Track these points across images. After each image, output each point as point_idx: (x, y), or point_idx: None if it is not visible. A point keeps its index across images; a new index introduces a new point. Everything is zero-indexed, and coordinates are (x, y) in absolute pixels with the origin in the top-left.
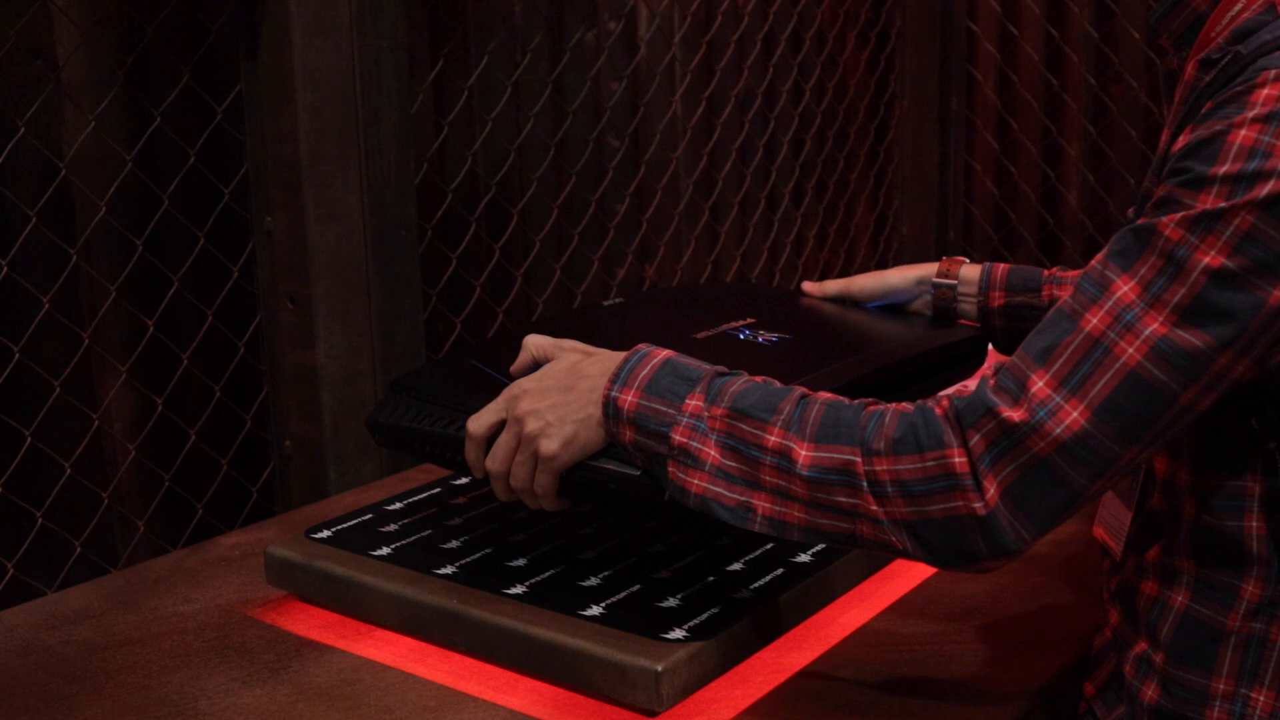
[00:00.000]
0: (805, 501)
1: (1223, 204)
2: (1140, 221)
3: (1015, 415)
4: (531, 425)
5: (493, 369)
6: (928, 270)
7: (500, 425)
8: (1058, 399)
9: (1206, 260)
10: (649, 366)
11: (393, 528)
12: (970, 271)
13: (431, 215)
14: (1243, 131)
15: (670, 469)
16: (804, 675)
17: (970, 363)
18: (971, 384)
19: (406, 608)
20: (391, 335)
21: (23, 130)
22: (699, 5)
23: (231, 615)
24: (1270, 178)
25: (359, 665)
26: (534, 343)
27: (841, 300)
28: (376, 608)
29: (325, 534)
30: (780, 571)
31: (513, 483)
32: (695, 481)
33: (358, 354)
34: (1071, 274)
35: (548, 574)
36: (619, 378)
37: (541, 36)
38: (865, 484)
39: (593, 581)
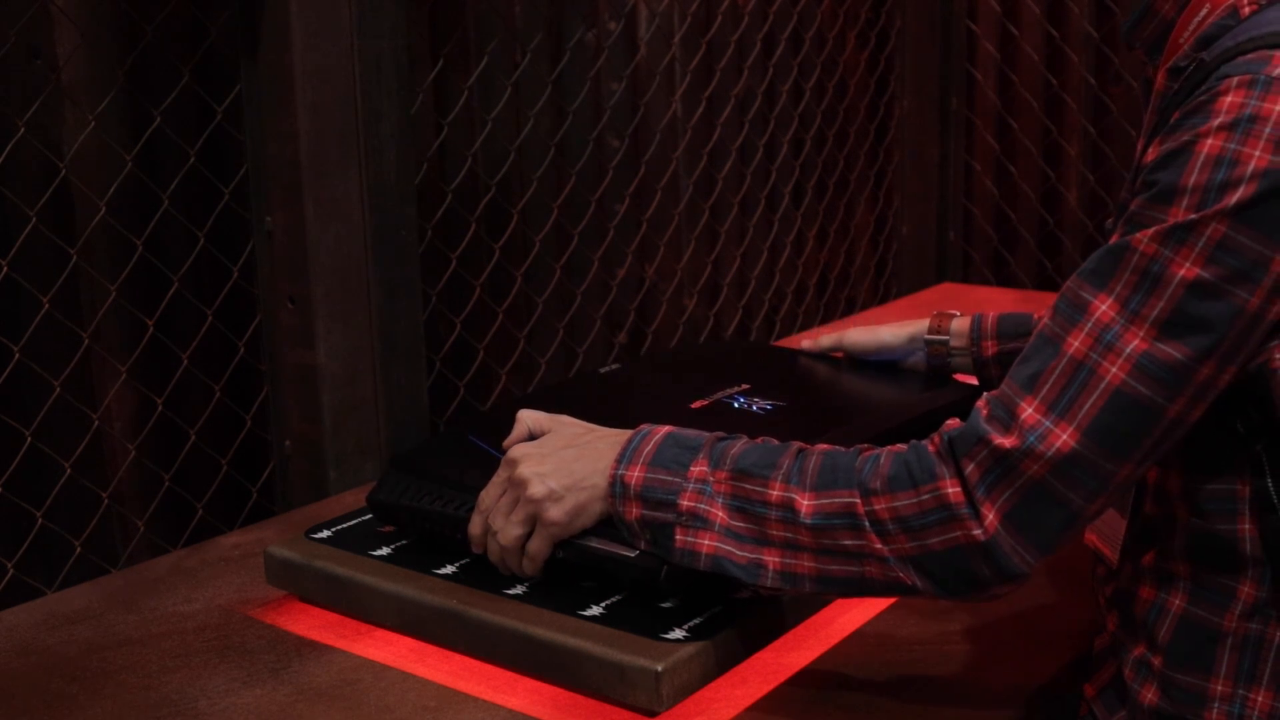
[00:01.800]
0: (813, 550)
1: (1193, 215)
2: (1114, 239)
3: (1007, 442)
4: (536, 489)
5: (491, 446)
6: (920, 326)
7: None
8: (1047, 423)
9: (1182, 273)
10: (652, 443)
11: (393, 527)
12: (961, 324)
13: (431, 215)
14: (1209, 141)
15: (678, 536)
16: (804, 675)
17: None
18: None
19: (406, 608)
20: (391, 335)
21: (23, 130)
22: (699, 5)
23: (231, 615)
24: (1239, 185)
25: (359, 665)
26: (529, 417)
27: (835, 359)
28: (376, 608)
29: (325, 534)
30: None
31: (502, 540)
32: (705, 542)
33: (358, 354)
34: None
35: (548, 574)
36: (625, 457)
37: (541, 36)
38: (867, 524)
39: (593, 581)
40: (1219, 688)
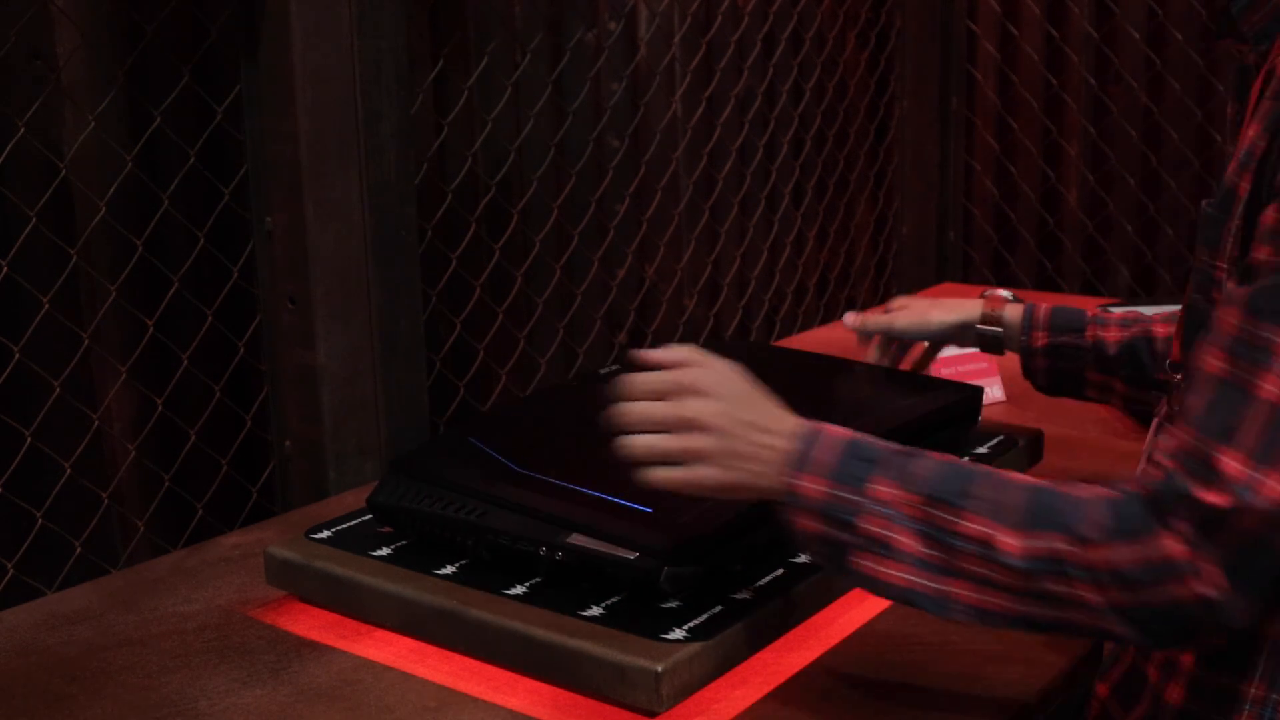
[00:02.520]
0: (1012, 590)
1: None
2: (1258, 257)
3: (1219, 500)
4: (702, 442)
5: (491, 447)
6: (971, 312)
7: (654, 394)
8: (1256, 475)
9: None
10: (829, 450)
11: (392, 528)
12: (1013, 314)
13: (431, 215)
14: None
15: (856, 559)
16: (804, 675)
17: (966, 421)
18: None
19: (406, 608)
20: (391, 335)
21: (23, 130)
22: (699, 5)
23: (231, 615)
24: None
25: (359, 665)
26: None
27: (837, 359)
28: (376, 608)
29: (325, 534)
30: (780, 572)
31: (648, 448)
32: (894, 573)
33: (358, 354)
34: (1115, 315)
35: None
36: (800, 462)
37: (541, 36)
38: (1079, 573)
39: (592, 583)
40: (1253, 691)
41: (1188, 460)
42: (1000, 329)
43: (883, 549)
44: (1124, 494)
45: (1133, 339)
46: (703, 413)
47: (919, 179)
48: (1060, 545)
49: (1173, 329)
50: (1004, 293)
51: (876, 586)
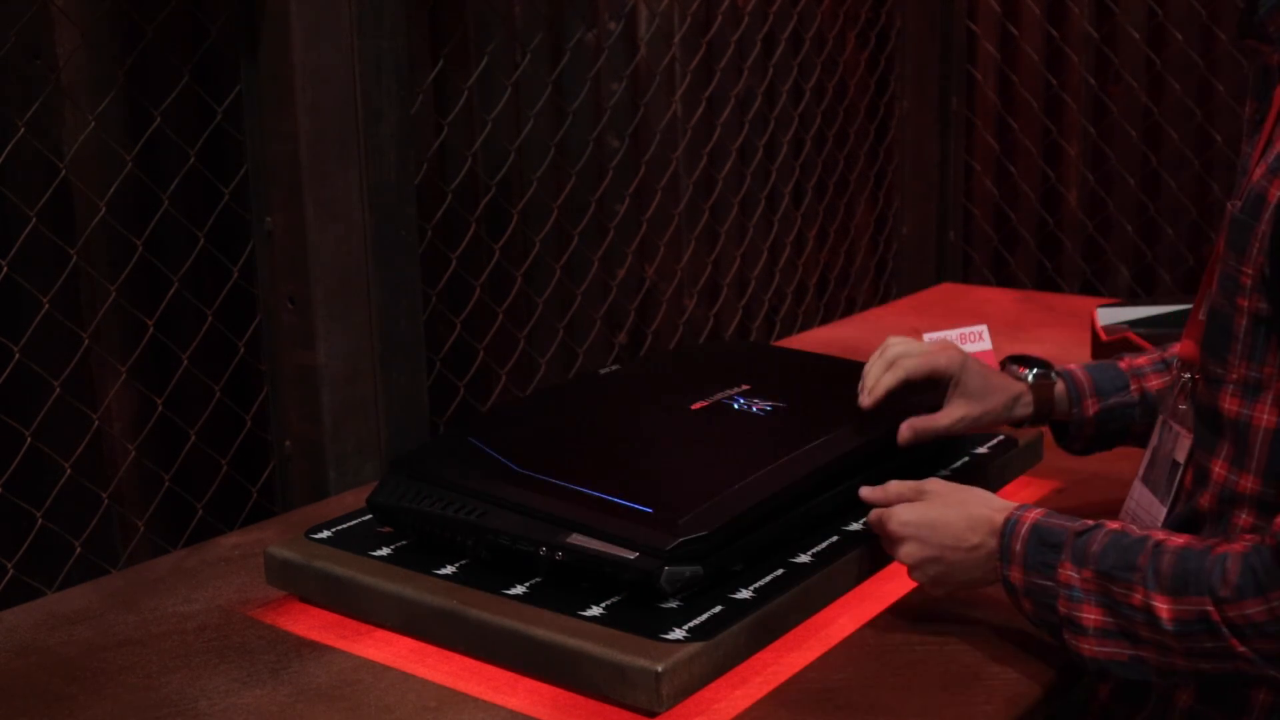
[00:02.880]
0: (1181, 652)
1: None
2: None
3: None
4: (924, 575)
5: (491, 447)
6: (1017, 393)
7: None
8: None
9: None
10: (1020, 539)
11: (392, 528)
12: (1059, 391)
13: (431, 215)
14: None
15: (1065, 635)
16: (804, 675)
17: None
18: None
19: (406, 608)
20: (391, 335)
21: (23, 130)
22: (699, 5)
23: (231, 615)
24: None
25: (359, 665)
26: (895, 489)
27: (835, 358)
28: (376, 608)
29: (325, 534)
30: (780, 572)
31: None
32: (1086, 646)
33: (358, 354)
34: (1145, 362)
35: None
36: (1004, 555)
37: (541, 36)
38: (1225, 629)
39: (592, 583)
40: (1261, 696)
41: None
42: (1050, 411)
43: (1076, 627)
44: (1255, 550)
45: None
46: (912, 555)
47: (919, 179)
48: (1204, 606)
49: None
50: (1024, 371)
51: (1082, 660)
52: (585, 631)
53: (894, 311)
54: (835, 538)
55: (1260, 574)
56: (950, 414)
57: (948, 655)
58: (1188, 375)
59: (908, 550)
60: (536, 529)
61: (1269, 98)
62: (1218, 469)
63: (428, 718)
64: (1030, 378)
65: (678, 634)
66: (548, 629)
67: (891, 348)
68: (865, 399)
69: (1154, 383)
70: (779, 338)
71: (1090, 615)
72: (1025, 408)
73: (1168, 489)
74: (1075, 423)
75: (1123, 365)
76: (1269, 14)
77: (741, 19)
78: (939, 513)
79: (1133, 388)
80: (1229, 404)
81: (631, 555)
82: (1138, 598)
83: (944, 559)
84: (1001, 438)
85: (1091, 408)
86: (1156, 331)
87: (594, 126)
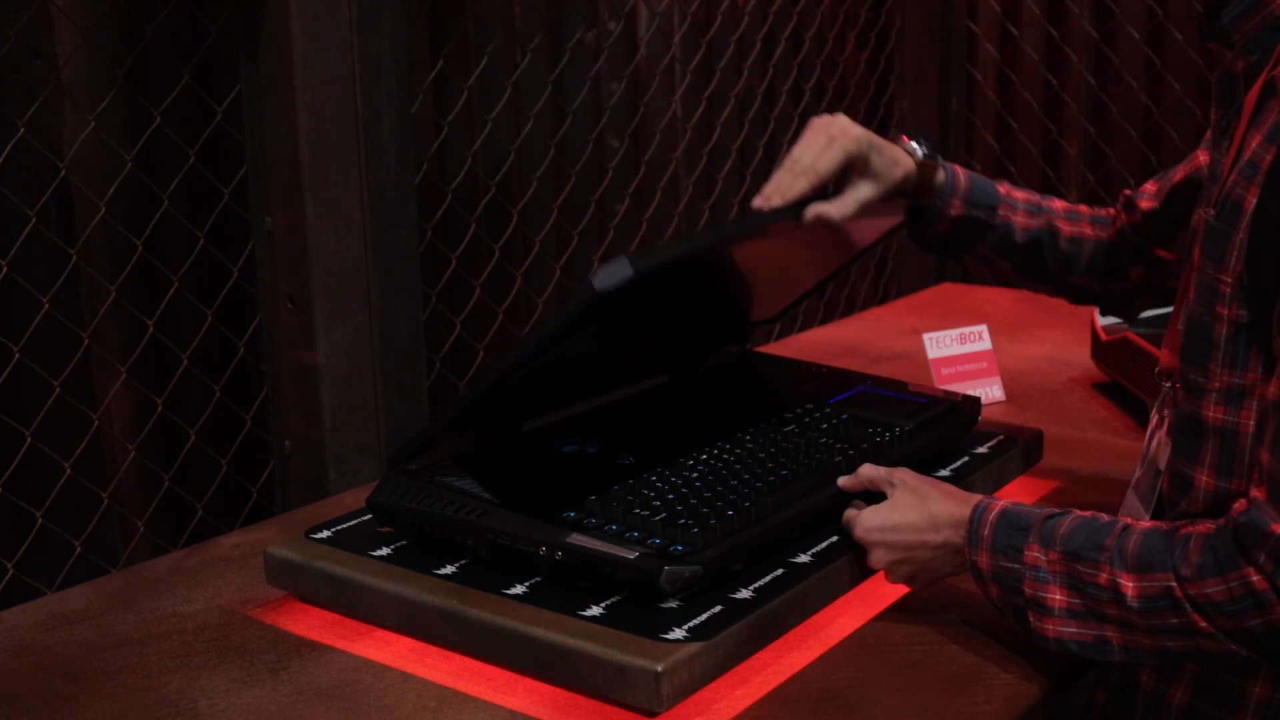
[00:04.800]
0: (1145, 629)
1: None
2: None
3: None
4: (898, 575)
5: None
6: (904, 162)
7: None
8: None
9: None
10: (989, 524)
11: (392, 528)
12: (939, 179)
13: (431, 215)
14: None
15: (1030, 618)
16: (804, 675)
17: (963, 429)
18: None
19: (406, 608)
20: (391, 335)
21: (23, 130)
22: (699, 5)
23: (231, 615)
24: None
25: (359, 665)
26: (867, 474)
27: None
28: (376, 608)
29: (325, 534)
30: (780, 572)
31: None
32: (1050, 626)
33: (358, 354)
34: (1021, 197)
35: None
36: (972, 540)
37: (541, 36)
38: (1188, 605)
39: (591, 582)
40: (1257, 690)
41: (1271, 493)
42: (913, 181)
43: (1042, 608)
44: (1218, 530)
45: (1038, 230)
46: (881, 560)
47: None
48: (1168, 582)
49: (1076, 230)
50: (916, 146)
51: (1046, 641)
52: (585, 631)
53: (894, 311)
54: (834, 538)
55: (1220, 555)
56: (856, 195)
57: (948, 655)
58: (1168, 384)
59: (877, 556)
60: (537, 529)
61: (1234, 104)
62: (1204, 478)
63: (428, 718)
64: (920, 154)
65: (677, 634)
66: (547, 629)
67: (799, 161)
68: (760, 200)
69: (1020, 219)
70: (779, 338)
71: (1056, 596)
72: (904, 175)
73: (1150, 497)
74: (933, 214)
75: (1002, 189)
76: (1234, 21)
77: (741, 19)
78: (900, 515)
79: (1000, 212)
80: (1213, 413)
81: (632, 555)
82: (1104, 576)
83: (912, 559)
84: (1001, 438)
85: (956, 209)
86: (1156, 332)
87: (594, 126)
